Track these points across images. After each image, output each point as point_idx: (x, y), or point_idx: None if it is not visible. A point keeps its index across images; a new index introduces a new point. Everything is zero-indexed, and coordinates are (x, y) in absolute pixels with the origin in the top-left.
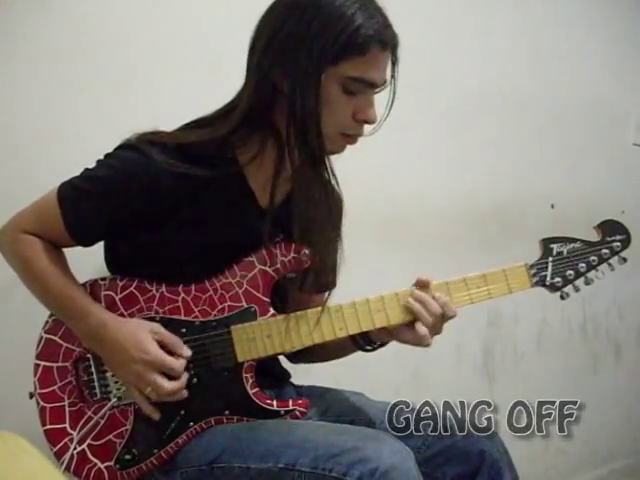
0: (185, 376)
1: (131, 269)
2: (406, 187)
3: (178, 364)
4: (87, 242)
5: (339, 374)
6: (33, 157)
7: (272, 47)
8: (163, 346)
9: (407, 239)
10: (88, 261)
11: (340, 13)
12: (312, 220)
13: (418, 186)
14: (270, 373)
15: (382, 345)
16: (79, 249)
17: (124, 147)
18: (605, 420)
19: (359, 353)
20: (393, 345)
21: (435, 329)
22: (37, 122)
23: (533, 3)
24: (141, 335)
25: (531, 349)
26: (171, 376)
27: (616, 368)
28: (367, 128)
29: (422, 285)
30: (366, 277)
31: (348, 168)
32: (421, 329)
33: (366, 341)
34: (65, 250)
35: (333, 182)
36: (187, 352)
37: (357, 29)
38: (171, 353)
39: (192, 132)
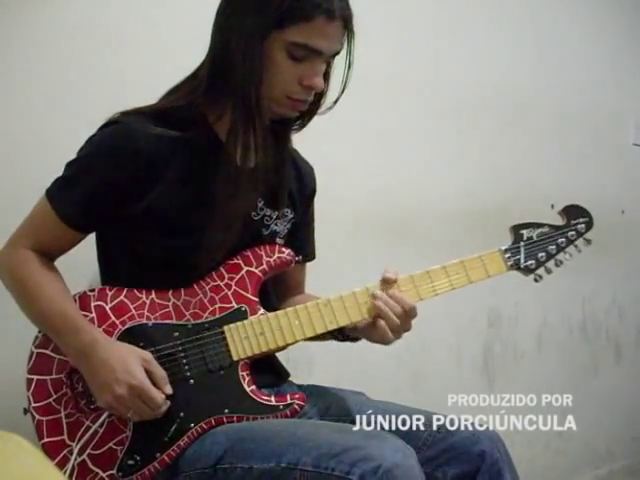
0: (164, 409)
1: (126, 273)
2: (407, 187)
3: (160, 398)
4: (83, 225)
5: (339, 374)
6: (33, 160)
7: (226, 13)
8: (149, 376)
9: (408, 239)
10: (80, 272)
11: None
12: (277, 183)
13: (419, 186)
14: (270, 372)
15: (353, 340)
16: (72, 259)
17: (101, 126)
18: (605, 420)
19: (359, 353)
20: (393, 345)
21: (403, 326)
22: (36, 124)
23: (535, 5)
24: (131, 359)
25: (531, 349)
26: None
27: (616, 368)
28: (326, 108)
29: (387, 282)
30: (367, 277)
31: (351, 168)
32: (381, 323)
33: (340, 333)
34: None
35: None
36: (169, 390)
37: None
38: (155, 385)
39: (164, 99)
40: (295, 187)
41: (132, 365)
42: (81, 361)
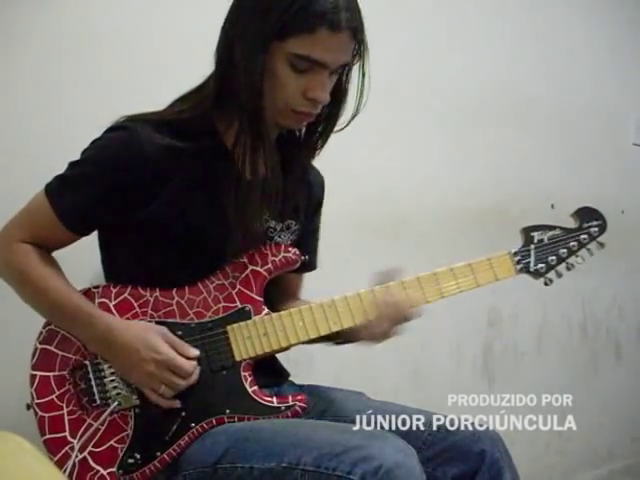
0: (196, 375)
1: (129, 273)
2: (407, 186)
3: (189, 364)
4: (82, 229)
5: (339, 374)
6: (34, 160)
7: (231, 21)
8: (172, 347)
9: (408, 238)
10: (81, 271)
11: None
12: (283, 195)
13: (419, 185)
14: (270, 372)
15: (351, 342)
16: (73, 256)
17: (107, 130)
18: (605, 420)
19: (359, 353)
20: (393, 345)
21: (392, 329)
22: (37, 124)
23: (535, 5)
24: (150, 336)
25: (531, 349)
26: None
27: (616, 368)
28: (343, 121)
29: (384, 278)
30: (369, 279)
31: (351, 168)
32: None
33: (339, 336)
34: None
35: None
36: (194, 352)
37: (305, 7)
38: (179, 353)
39: (171, 107)
40: (303, 197)
41: (153, 341)
42: (101, 348)
